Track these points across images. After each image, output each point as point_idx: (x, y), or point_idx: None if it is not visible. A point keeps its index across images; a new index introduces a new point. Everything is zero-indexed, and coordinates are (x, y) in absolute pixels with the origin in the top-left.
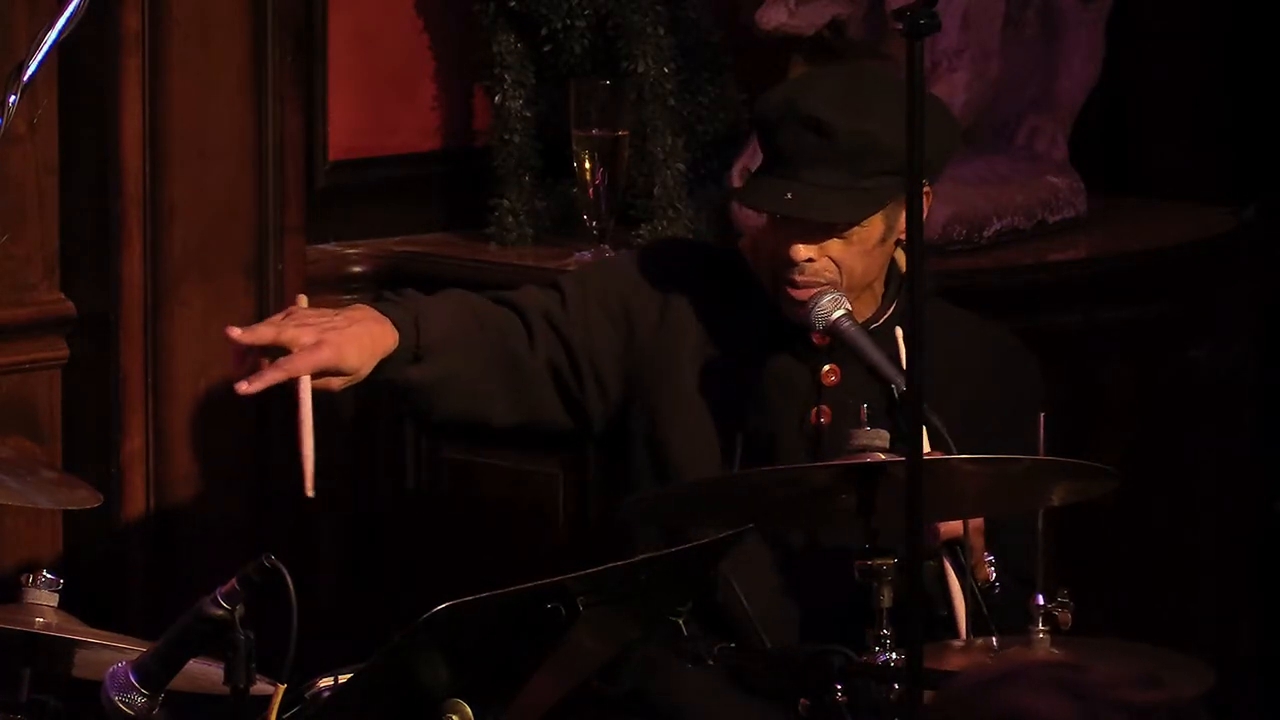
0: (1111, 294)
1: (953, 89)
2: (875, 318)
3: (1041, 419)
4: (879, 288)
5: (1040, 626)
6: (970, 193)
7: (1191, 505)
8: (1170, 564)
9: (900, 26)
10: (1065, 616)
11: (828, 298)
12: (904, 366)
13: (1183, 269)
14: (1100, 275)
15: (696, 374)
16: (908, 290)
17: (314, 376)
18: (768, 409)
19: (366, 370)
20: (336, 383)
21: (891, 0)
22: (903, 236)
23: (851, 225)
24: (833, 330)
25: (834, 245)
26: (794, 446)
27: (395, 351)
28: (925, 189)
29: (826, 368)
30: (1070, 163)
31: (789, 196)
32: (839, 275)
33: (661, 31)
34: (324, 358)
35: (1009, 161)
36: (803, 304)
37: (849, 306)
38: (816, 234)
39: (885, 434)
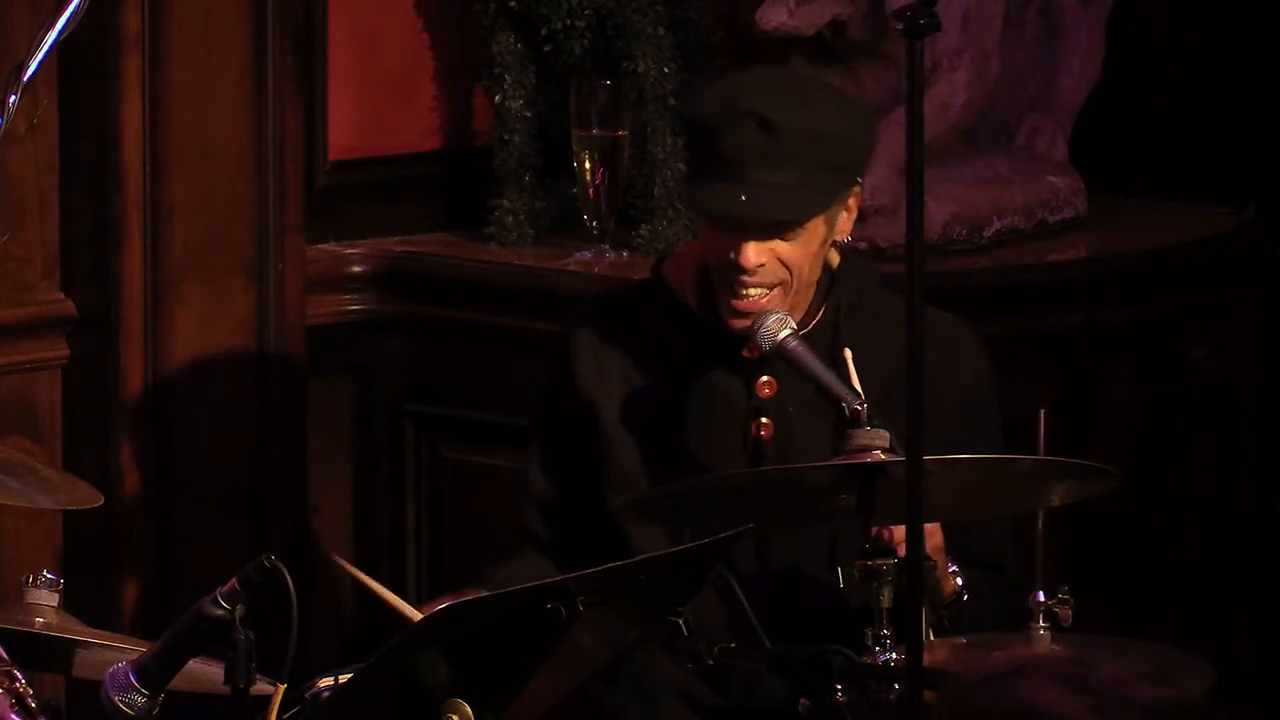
0: (1111, 294)
1: (953, 89)
2: (807, 320)
3: (1042, 415)
4: (813, 290)
5: (1041, 623)
6: (970, 193)
7: (1191, 505)
8: (1170, 564)
9: (900, 26)
10: (1065, 613)
11: (772, 318)
12: (853, 384)
13: (1183, 269)
14: (1100, 275)
15: (633, 407)
16: (906, 291)
17: None
18: (708, 429)
19: None
20: None
21: (891, 0)
22: (838, 237)
23: (802, 224)
24: (780, 351)
25: (781, 247)
26: (737, 464)
27: None
28: (856, 188)
29: (762, 379)
30: (1070, 163)
31: (743, 199)
32: (790, 277)
33: (661, 31)
34: None
35: (1009, 161)
36: (747, 315)
37: (794, 326)
38: (767, 235)
39: (885, 434)
